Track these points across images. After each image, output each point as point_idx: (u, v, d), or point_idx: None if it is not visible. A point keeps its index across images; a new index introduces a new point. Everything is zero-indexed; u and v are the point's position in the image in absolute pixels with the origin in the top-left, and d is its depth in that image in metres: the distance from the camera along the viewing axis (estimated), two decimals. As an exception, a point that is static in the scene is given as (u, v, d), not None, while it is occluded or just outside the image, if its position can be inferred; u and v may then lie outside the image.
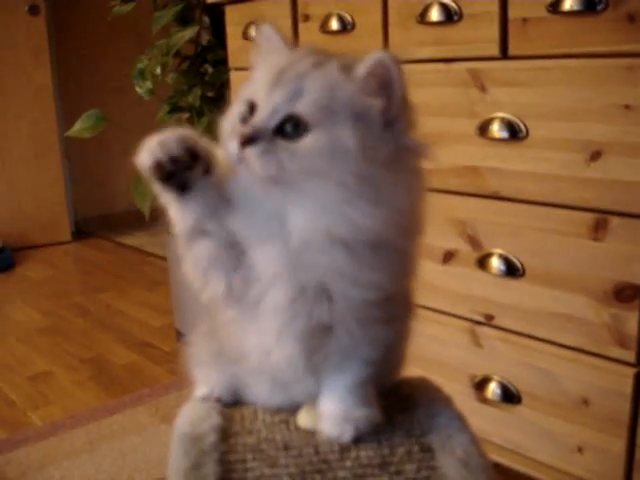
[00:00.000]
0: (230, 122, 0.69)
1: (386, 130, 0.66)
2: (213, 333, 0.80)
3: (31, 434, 1.77)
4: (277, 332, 0.69)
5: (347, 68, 0.67)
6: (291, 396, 0.77)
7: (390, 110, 0.66)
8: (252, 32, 1.80)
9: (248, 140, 0.64)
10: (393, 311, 0.73)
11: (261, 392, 0.78)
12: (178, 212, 0.70)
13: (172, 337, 2.45)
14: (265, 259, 0.67)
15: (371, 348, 0.72)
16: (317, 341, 0.69)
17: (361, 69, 0.66)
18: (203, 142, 0.69)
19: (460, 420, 0.75)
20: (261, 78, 0.68)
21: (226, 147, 0.67)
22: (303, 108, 0.64)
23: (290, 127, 0.65)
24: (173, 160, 0.66)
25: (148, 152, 0.66)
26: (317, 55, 0.69)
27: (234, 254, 0.69)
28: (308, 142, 0.64)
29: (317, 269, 0.66)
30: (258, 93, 0.67)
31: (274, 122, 0.65)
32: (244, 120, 0.67)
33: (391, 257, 0.68)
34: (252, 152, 0.64)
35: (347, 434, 0.72)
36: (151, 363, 2.23)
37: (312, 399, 0.75)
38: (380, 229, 0.65)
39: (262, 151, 0.64)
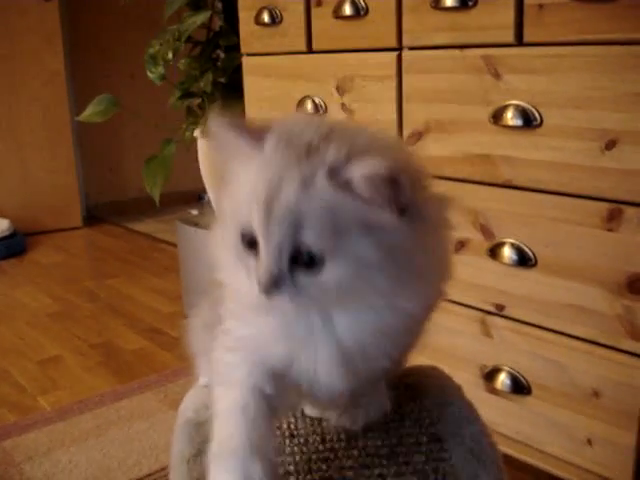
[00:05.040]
0: (233, 247, 0.63)
1: (403, 217, 0.59)
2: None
3: (39, 418, 1.78)
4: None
5: (340, 178, 0.58)
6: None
7: (401, 203, 0.58)
8: (265, 18, 1.79)
9: (271, 289, 0.59)
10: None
11: None
12: None
13: (181, 323, 2.44)
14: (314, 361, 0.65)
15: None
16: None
17: (359, 182, 0.57)
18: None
19: (470, 410, 0.74)
20: (247, 203, 0.60)
21: (238, 281, 0.64)
22: (310, 241, 0.58)
23: (304, 255, 0.59)
24: None
25: None
26: (297, 163, 0.59)
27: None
28: (330, 274, 0.59)
29: (369, 360, 0.66)
30: (254, 226, 0.60)
31: (285, 258, 0.59)
32: (250, 247, 0.62)
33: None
34: (280, 298, 0.60)
35: (357, 423, 0.71)
36: (160, 349, 2.23)
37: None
38: (426, 302, 0.69)
39: (290, 295, 0.60)
